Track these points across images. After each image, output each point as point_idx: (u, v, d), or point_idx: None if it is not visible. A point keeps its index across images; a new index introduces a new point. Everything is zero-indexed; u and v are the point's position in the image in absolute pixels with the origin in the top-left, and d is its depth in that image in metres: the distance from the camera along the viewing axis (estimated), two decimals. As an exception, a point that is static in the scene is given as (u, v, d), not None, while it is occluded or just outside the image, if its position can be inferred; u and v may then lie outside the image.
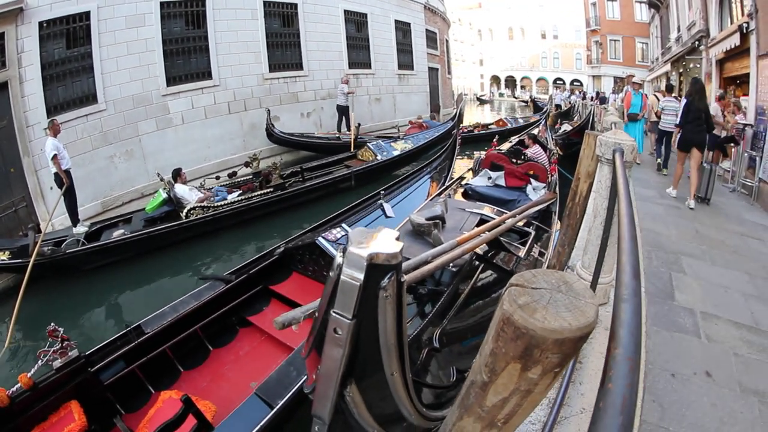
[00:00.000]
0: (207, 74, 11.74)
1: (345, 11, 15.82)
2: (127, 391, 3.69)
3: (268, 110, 12.52)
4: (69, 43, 9.15)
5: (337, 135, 13.68)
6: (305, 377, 3.11)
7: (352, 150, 12.10)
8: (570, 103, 27.14)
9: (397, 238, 1.07)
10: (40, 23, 8.60)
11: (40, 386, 3.02)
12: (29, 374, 2.97)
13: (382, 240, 1.05)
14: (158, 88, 10.67)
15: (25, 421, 2.99)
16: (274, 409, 2.92)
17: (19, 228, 7.97)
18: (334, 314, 1.07)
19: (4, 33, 8.14)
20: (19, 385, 2.91)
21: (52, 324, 3.08)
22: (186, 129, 11.29)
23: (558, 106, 25.00)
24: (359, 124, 13.23)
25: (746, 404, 2.75)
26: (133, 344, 3.76)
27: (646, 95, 10.58)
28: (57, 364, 3.12)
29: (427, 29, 21.58)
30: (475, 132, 17.76)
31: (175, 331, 4.06)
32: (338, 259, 1.06)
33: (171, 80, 10.91)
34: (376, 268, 1.02)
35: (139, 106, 10.29)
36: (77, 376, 3.25)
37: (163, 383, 3.86)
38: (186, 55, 11.25)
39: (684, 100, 7.55)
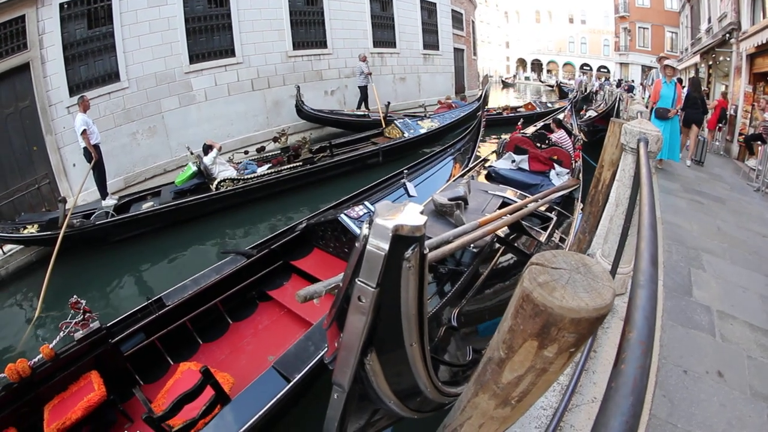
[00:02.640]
0: (230, 52, 11.74)
1: (369, -11, 15.62)
2: (147, 362, 3.77)
3: (298, 87, 12.49)
4: (90, 23, 9.24)
5: (366, 112, 13.64)
6: (323, 352, 3.16)
7: (383, 127, 12.13)
8: (599, 88, 26.68)
9: (422, 213, 1.09)
10: (61, 4, 8.69)
11: (61, 357, 3.11)
12: (51, 345, 3.05)
13: (407, 213, 1.07)
14: (181, 66, 10.71)
15: (46, 391, 3.08)
16: (291, 383, 2.96)
17: (42, 204, 8.20)
18: (359, 282, 1.10)
19: (25, 15, 8.26)
20: (40, 356, 3.00)
21: (74, 296, 3.14)
22: (209, 106, 11.36)
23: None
24: (389, 103, 13.20)
25: (755, 408, 2.69)
26: (154, 316, 3.84)
27: (681, 84, 8.61)
28: (78, 335, 3.20)
29: (453, 9, 21.30)
30: (504, 114, 17.54)
31: (195, 304, 4.13)
32: (364, 230, 1.09)
33: (194, 58, 10.95)
34: (400, 239, 1.04)
35: (161, 83, 10.36)
36: (98, 347, 3.32)
37: (182, 355, 3.94)
38: (209, 32, 11.26)
39: (685, 91, 9.05)
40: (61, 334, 3.15)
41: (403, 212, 1.08)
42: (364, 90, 14.17)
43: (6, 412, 2.92)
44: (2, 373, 2.86)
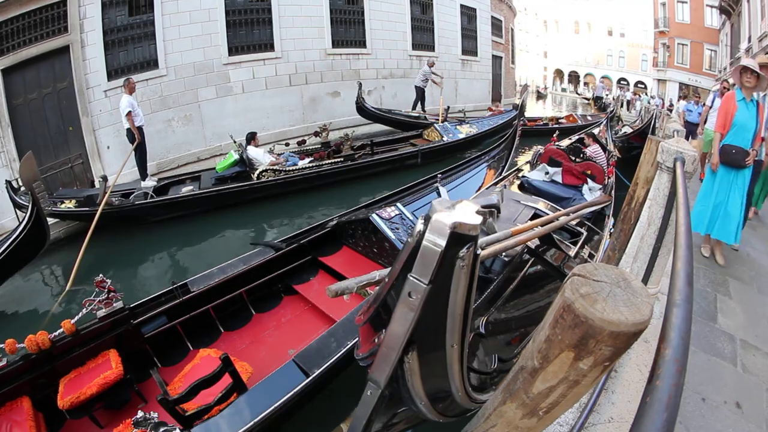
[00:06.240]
0: (269, 46, 11.87)
1: (411, -9, 15.58)
2: (166, 346, 3.81)
3: (360, 83, 12.43)
4: (131, 11, 9.49)
5: (422, 114, 13.65)
6: (345, 349, 3.15)
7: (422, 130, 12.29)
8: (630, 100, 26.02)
9: (477, 212, 1.09)
10: (103, -10, 8.91)
11: (81, 333, 3.18)
12: (73, 321, 3.12)
13: (464, 211, 1.07)
14: (220, 57, 10.87)
15: (64, 364, 3.14)
16: (310, 377, 2.94)
17: (74, 183, 8.48)
18: (411, 278, 1.10)
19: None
20: (61, 330, 3.07)
21: (100, 275, 3.21)
22: (246, 98, 11.50)
23: (599, 98, 24.03)
24: (449, 107, 13.29)
25: (770, 445, 2.61)
26: (177, 301, 3.88)
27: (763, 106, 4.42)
28: (101, 313, 3.26)
29: (492, 16, 21.17)
30: (550, 125, 17.28)
31: (220, 292, 4.16)
32: (419, 226, 1.09)
33: (233, 50, 11.11)
34: (457, 237, 1.04)
35: (199, 73, 10.54)
36: (119, 326, 3.38)
37: (203, 341, 3.97)
38: (249, 26, 11.40)
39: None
40: (84, 310, 3.21)
41: (460, 210, 1.07)
42: (421, 92, 14.11)
43: (21, 382, 2.98)
44: (22, 343, 2.92)
